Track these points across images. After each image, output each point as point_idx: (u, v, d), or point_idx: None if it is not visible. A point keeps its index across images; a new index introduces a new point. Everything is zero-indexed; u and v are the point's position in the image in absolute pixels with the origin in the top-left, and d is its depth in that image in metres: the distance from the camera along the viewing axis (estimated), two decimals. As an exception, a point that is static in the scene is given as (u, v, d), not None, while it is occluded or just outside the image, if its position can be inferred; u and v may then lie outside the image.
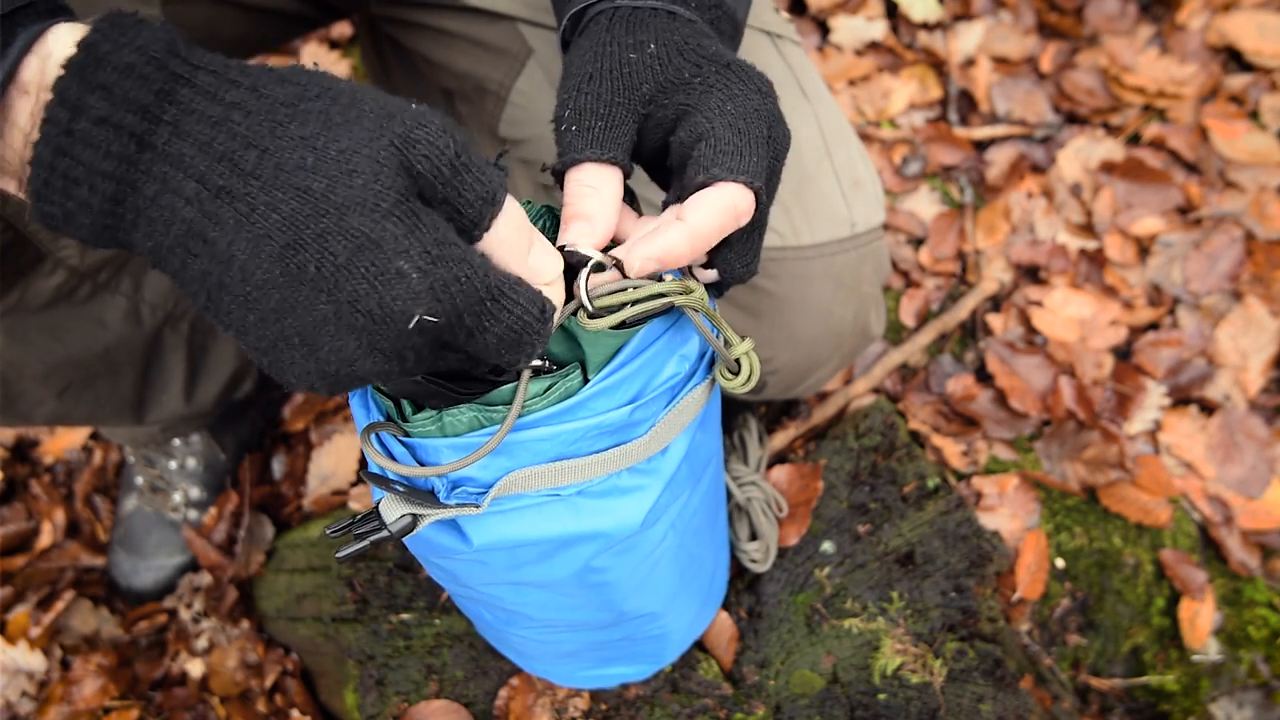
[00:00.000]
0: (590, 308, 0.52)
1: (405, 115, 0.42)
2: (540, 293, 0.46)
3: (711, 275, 0.59)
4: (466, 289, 0.42)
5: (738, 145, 0.52)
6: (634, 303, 0.53)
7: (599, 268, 0.52)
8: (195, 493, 1.24)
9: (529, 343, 0.46)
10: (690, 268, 0.59)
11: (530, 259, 0.48)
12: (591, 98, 0.54)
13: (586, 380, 0.56)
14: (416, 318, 0.41)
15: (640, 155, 0.59)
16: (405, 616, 1.01)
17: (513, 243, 0.47)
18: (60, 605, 1.20)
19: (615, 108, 0.54)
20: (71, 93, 0.39)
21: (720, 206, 0.51)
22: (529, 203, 0.60)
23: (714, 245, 0.54)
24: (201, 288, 0.42)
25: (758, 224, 0.59)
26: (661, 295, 0.54)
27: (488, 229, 0.45)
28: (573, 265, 0.52)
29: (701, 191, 0.52)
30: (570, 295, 0.52)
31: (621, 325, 0.54)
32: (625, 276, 0.53)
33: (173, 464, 1.23)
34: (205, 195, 0.40)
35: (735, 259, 0.58)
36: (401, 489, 0.56)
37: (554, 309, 0.48)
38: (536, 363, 0.54)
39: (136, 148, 0.39)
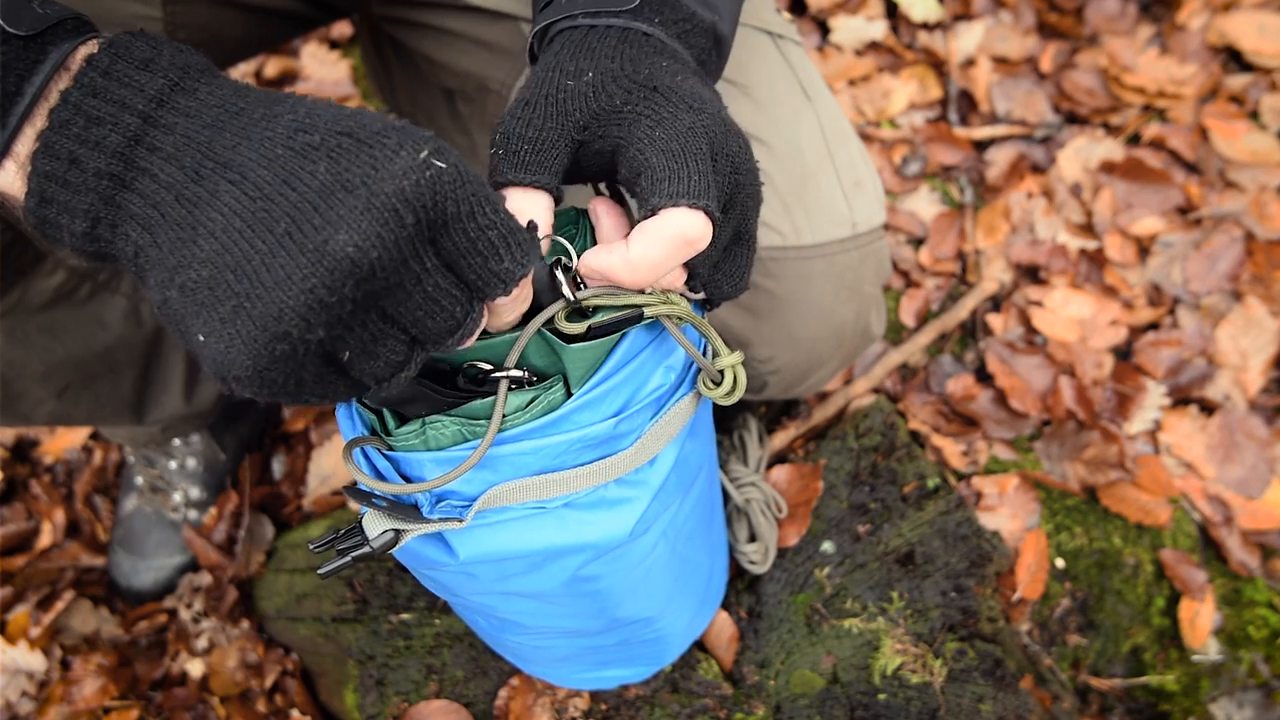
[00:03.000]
0: (572, 297, 0.51)
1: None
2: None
3: (698, 292, 0.58)
4: (464, 168, 0.42)
5: (673, 169, 0.50)
6: (607, 308, 0.52)
7: (567, 269, 0.52)
8: (195, 493, 1.24)
9: (526, 246, 0.45)
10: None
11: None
12: (523, 124, 0.53)
13: (570, 394, 0.56)
14: (425, 152, 0.40)
15: (587, 176, 0.58)
16: (405, 616, 1.01)
17: None
18: (60, 605, 1.20)
19: (546, 132, 0.53)
20: (123, 39, 0.42)
21: (665, 235, 0.49)
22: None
23: (668, 271, 0.52)
24: (187, 216, 0.41)
25: (743, 240, 0.57)
26: (638, 306, 0.53)
27: None
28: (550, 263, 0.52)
29: (647, 220, 0.50)
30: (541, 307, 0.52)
31: (590, 333, 0.53)
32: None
33: (173, 464, 1.23)
34: (225, 116, 0.42)
35: (722, 278, 0.57)
36: (384, 504, 0.56)
37: (537, 230, 0.47)
38: (517, 373, 0.53)
39: (170, 90, 0.43)
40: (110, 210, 0.42)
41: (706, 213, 0.50)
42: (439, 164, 0.40)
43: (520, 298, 0.49)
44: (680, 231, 0.49)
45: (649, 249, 0.50)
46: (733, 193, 0.54)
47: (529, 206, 0.52)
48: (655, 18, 0.58)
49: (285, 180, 0.40)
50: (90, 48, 0.43)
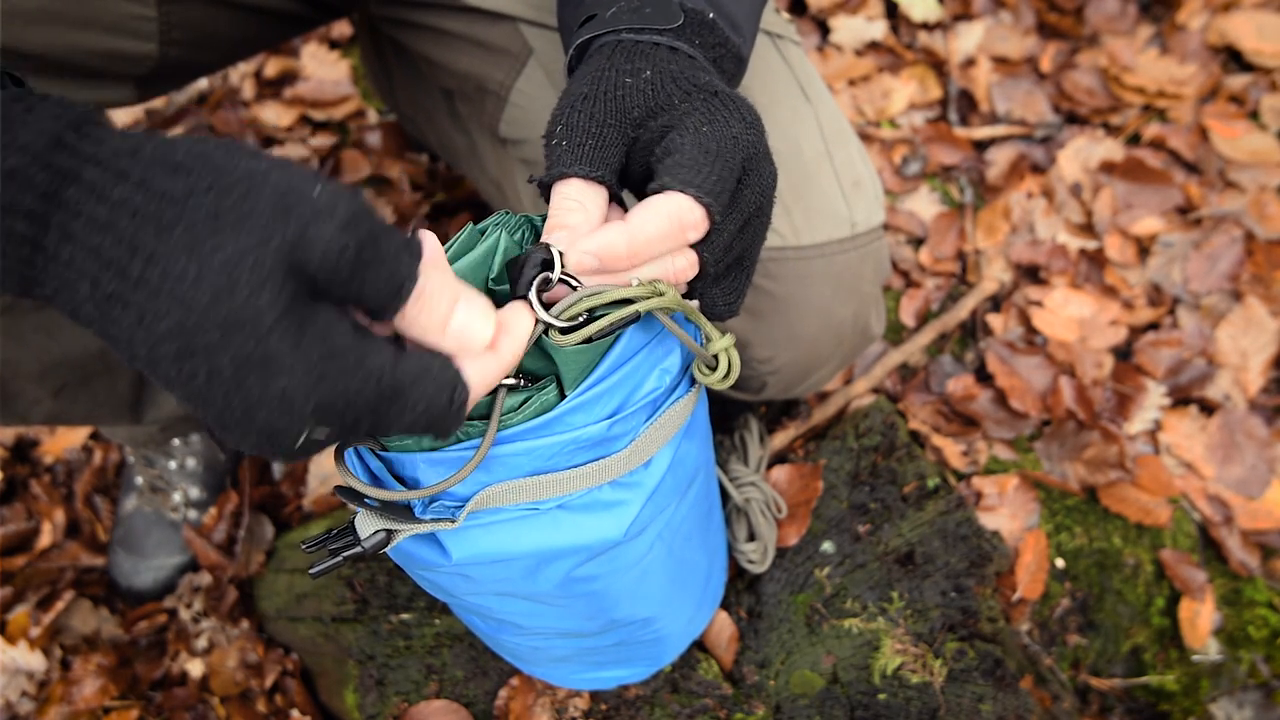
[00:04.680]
0: (556, 322, 0.51)
1: (303, 209, 0.39)
2: (452, 375, 0.44)
3: (693, 301, 0.58)
4: (358, 399, 0.41)
5: (699, 161, 0.51)
6: (598, 310, 0.52)
7: (547, 283, 0.50)
8: (195, 492, 1.24)
9: (442, 429, 0.45)
10: None
11: (454, 323, 0.45)
12: (585, 116, 0.54)
13: (564, 395, 0.56)
14: (305, 434, 0.40)
15: (630, 181, 0.59)
16: (405, 616, 1.01)
17: (428, 318, 0.44)
18: (60, 605, 1.20)
19: (607, 128, 0.54)
20: None
21: (665, 211, 0.50)
22: (506, 213, 0.59)
23: (660, 254, 0.52)
24: (122, 345, 0.41)
25: (744, 266, 0.59)
26: (628, 301, 0.52)
27: (395, 314, 0.43)
28: (530, 278, 0.51)
29: (652, 196, 0.51)
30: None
31: (589, 339, 0.52)
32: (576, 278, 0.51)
33: (172, 464, 1.23)
34: (99, 298, 0.38)
35: (718, 295, 0.58)
36: (376, 504, 0.56)
37: (465, 393, 0.45)
38: (510, 381, 0.53)
39: (30, 250, 0.39)
40: (42, 301, 0.42)
41: (708, 210, 0.51)
42: (322, 431, 0.41)
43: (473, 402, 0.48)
44: (679, 211, 0.50)
45: (649, 221, 0.50)
46: (752, 215, 0.56)
47: (588, 198, 0.53)
48: (696, 39, 0.60)
49: (195, 398, 0.40)
50: None
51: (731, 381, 0.60)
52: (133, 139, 0.40)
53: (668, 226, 0.51)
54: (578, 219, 0.52)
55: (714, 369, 0.60)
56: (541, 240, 0.52)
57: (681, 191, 0.50)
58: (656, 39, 0.58)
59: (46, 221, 0.38)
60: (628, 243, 0.50)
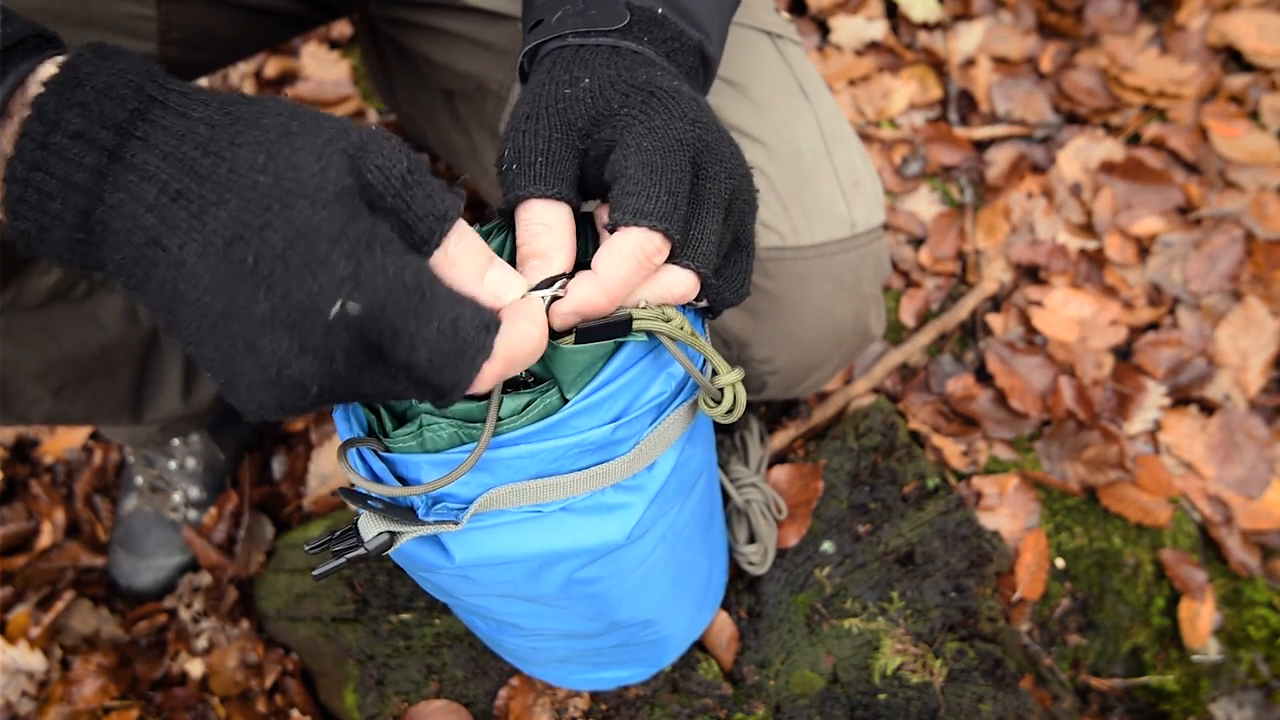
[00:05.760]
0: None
1: (362, 131, 0.44)
2: (486, 308, 0.45)
3: (701, 300, 0.58)
4: (394, 281, 0.41)
5: (645, 185, 0.51)
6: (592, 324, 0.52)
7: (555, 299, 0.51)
8: (195, 493, 1.24)
9: (468, 354, 0.43)
10: None
11: (490, 275, 0.48)
12: (530, 135, 0.54)
13: (565, 399, 0.56)
14: (338, 305, 0.39)
15: (588, 191, 0.58)
16: (405, 616, 1.01)
17: (467, 263, 0.47)
18: (60, 605, 1.20)
19: (554, 143, 0.54)
20: (49, 108, 0.40)
21: (626, 250, 0.50)
22: (497, 221, 0.59)
23: (636, 286, 0.52)
24: (163, 302, 0.42)
25: (741, 246, 0.58)
26: (631, 320, 0.52)
27: (438, 245, 0.45)
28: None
29: (611, 237, 0.51)
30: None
31: (578, 337, 0.53)
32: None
33: (172, 464, 1.23)
34: (164, 201, 0.41)
35: (724, 284, 0.57)
36: (379, 506, 0.56)
37: (498, 324, 0.45)
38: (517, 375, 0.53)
39: (108, 160, 0.41)
40: (91, 258, 0.44)
41: (665, 235, 0.51)
42: (353, 307, 0.40)
43: (499, 373, 0.47)
44: (638, 246, 0.50)
45: (617, 265, 0.51)
46: (730, 199, 0.55)
47: (553, 219, 0.53)
48: (644, 36, 0.59)
49: (232, 299, 0.40)
50: (45, 71, 0.42)
51: (736, 417, 0.60)
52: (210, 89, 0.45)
53: (634, 264, 0.51)
54: (546, 243, 0.52)
55: (719, 402, 0.60)
56: (520, 271, 0.52)
57: (634, 225, 0.50)
58: (600, 41, 0.57)
59: (130, 133, 0.42)
60: (604, 290, 0.51)
